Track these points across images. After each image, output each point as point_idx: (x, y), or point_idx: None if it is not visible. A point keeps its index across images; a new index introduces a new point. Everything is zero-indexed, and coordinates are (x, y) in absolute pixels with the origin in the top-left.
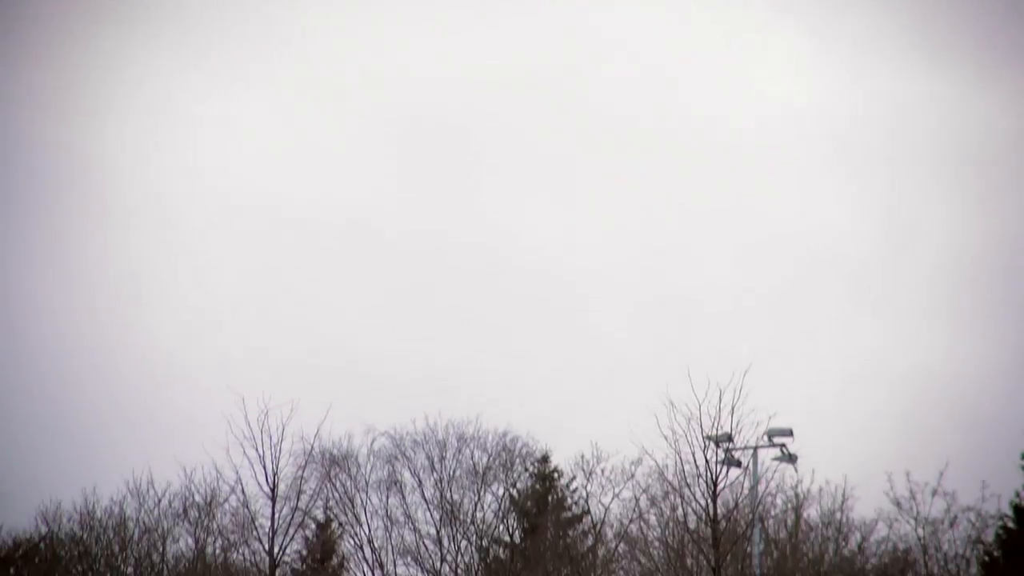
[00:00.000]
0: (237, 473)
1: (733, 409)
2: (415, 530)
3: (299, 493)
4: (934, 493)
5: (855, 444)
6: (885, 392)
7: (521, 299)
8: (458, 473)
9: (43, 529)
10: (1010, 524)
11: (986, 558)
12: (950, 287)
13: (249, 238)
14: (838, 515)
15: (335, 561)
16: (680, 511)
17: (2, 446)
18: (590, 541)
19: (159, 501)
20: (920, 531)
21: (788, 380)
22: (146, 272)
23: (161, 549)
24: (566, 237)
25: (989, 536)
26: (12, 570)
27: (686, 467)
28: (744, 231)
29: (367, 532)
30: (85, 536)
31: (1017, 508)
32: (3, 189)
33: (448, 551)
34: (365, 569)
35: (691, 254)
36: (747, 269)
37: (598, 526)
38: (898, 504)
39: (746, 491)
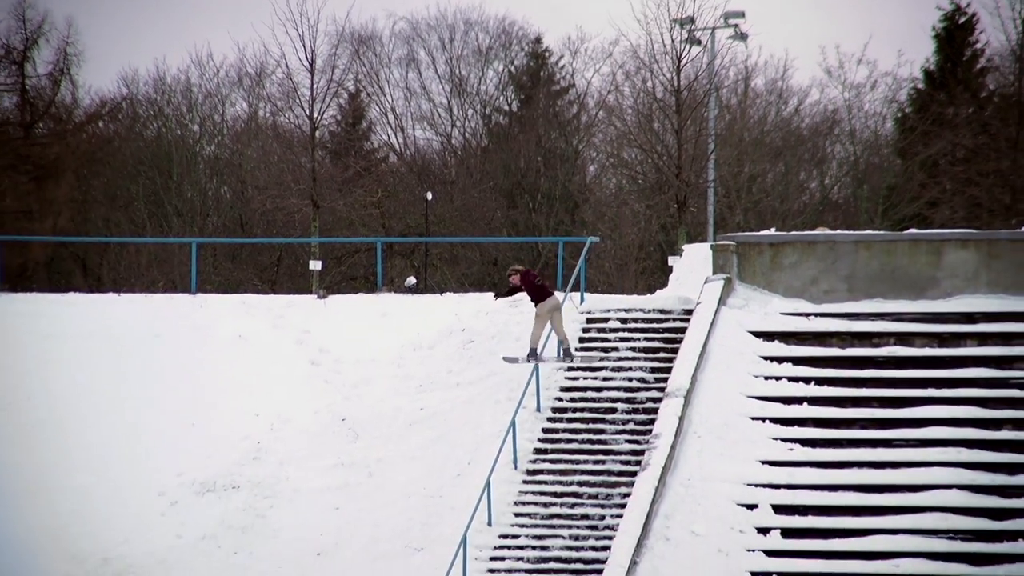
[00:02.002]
0: (281, 50)
1: None
2: (430, 100)
3: (333, 67)
4: (859, 62)
5: (796, 22)
6: None
7: None
8: (465, 52)
9: (124, 90)
10: (920, 85)
11: (899, 114)
12: None
13: None
14: (779, 83)
15: (364, 125)
16: (649, 83)
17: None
18: (575, 109)
19: (218, 71)
20: (846, 94)
21: None
22: None
23: (221, 111)
24: None
25: (903, 96)
26: (100, 124)
27: (655, 46)
28: None
29: (390, 101)
30: (158, 98)
31: (927, 72)
32: None
33: (457, 118)
34: (389, 132)
35: None
36: None
37: (582, 97)
38: (828, 72)
39: (704, 66)
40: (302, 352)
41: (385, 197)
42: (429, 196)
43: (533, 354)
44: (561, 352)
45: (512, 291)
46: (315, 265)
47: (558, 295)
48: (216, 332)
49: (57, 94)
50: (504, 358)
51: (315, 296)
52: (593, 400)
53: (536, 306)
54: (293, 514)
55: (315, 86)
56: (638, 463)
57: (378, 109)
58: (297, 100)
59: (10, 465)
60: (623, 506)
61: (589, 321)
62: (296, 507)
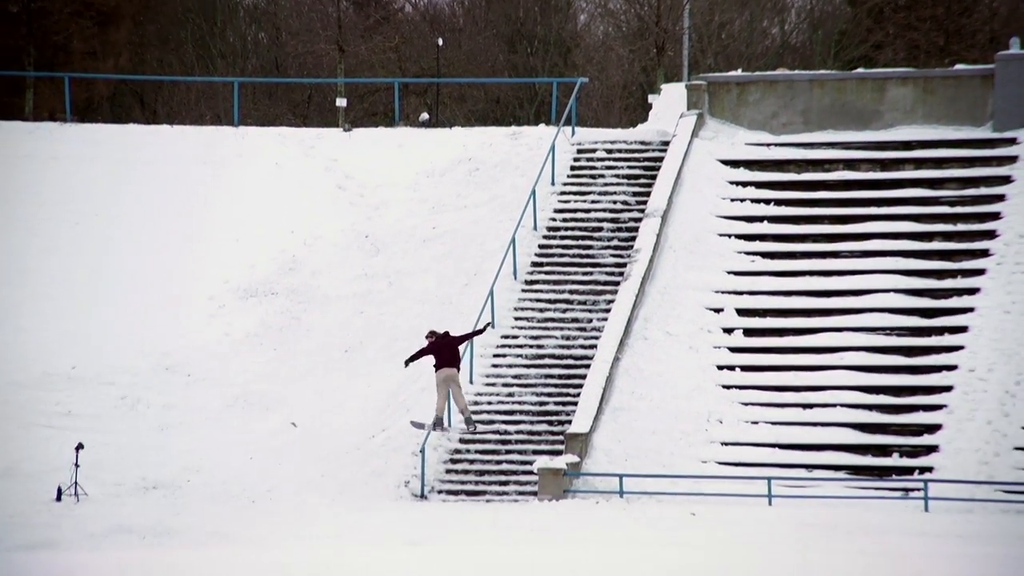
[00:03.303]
0: None
1: None
2: None
3: None
4: None
5: None
6: None
7: None
8: None
9: None
10: None
11: None
12: None
13: None
14: None
15: None
16: None
17: None
18: None
19: None
20: None
21: None
22: None
23: None
24: None
25: None
26: None
27: None
28: None
29: None
30: None
31: None
32: None
33: None
34: None
35: None
36: None
37: None
38: None
39: None
40: (330, 178)
41: (401, 43)
42: (440, 42)
43: (439, 422)
44: (464, 422)
45: (420, 354)
46: (341, 102)
47: (460, 371)
48: (256, 160)
49: None
50: (412, 423)
51: (341, 129)
52: (582, 220)
53: (436, 372)
54: (323, 317)
55: None
56: (621, 274)
57: None
58: None
59: (86, 273)
60: (608, 311)
61: (579, 152)
62: (326, 311)
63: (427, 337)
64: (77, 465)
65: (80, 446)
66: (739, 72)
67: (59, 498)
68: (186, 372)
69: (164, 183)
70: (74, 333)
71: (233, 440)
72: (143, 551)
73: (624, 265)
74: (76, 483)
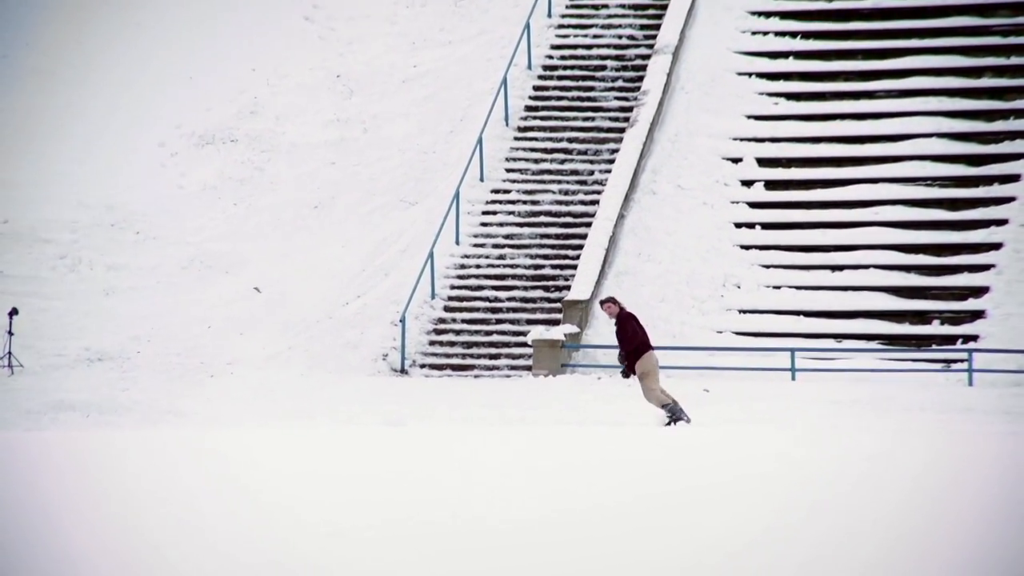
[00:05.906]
0: None
1: None
2: None
3: None
4: None
5: None
6: None
7: None
8: None
9: None
10: None
11: None
12: None
13: None
14: None
15: None
16: None
17: None
18: None
19: None
20: None
21: None
22: None
23: None
24: None
25: None
26: None
27: None
28: None
29: None
30: None
31: None
32: None
33: None
34: None
35: None
36: None
37: None
38: None
39: None
40: (296, 8)
41: None
42: None
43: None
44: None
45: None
46: None
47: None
48: None
49: None
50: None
51: None
52: (583, 58)
53: (637, 363)
54: (290, 168)
55: None
56: (626, 120)
57: None
58: None
59: (16, 115)
60: (611, 162)
61: None
62: (293, 161)
63: (605, 304)
64: (11, 333)
65: (14, 311)
66: None
67: None
68: (134, 229)
69: (105, 11)
70: (3, 183)
71: (188, 306)
72: (87, 430)
73: (630, 109)
74: (10, 353)
